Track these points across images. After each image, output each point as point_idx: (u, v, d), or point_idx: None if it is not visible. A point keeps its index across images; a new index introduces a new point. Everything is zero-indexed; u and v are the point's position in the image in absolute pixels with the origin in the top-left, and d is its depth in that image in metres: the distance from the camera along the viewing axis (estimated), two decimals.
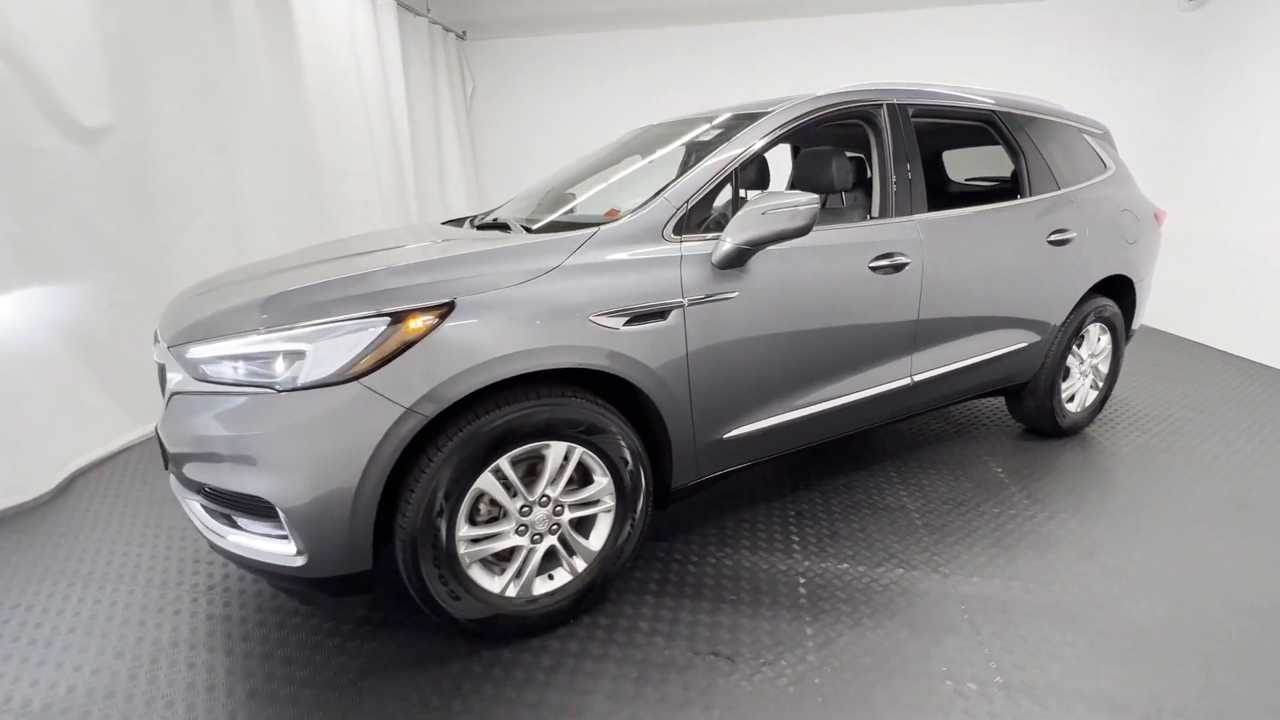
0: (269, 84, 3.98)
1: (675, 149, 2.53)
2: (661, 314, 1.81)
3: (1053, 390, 3.03)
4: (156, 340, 1.95)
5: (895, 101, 2.41)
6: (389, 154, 5.21)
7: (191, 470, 1.62)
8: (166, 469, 1.93)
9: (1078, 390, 3.19)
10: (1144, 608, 1.94)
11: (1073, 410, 3.19)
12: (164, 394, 1.85)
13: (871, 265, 2.22)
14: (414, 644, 1.82)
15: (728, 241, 1.86)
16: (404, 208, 5.43)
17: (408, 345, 1.51)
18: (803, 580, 2.10)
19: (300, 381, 1.48)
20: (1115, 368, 3.32)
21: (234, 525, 1.63)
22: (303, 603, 2.00)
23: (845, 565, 2.17)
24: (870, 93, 2.36)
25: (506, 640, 1.81)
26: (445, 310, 1.56)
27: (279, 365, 1.50)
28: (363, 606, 1.97)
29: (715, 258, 1.89)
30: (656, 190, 1.98)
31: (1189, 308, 5.25)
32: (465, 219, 2.94)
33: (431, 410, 1.53)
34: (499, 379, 1.60)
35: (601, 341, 1.73)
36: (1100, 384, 3.28)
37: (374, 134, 5.04)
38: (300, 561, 1.53)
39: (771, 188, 2.98)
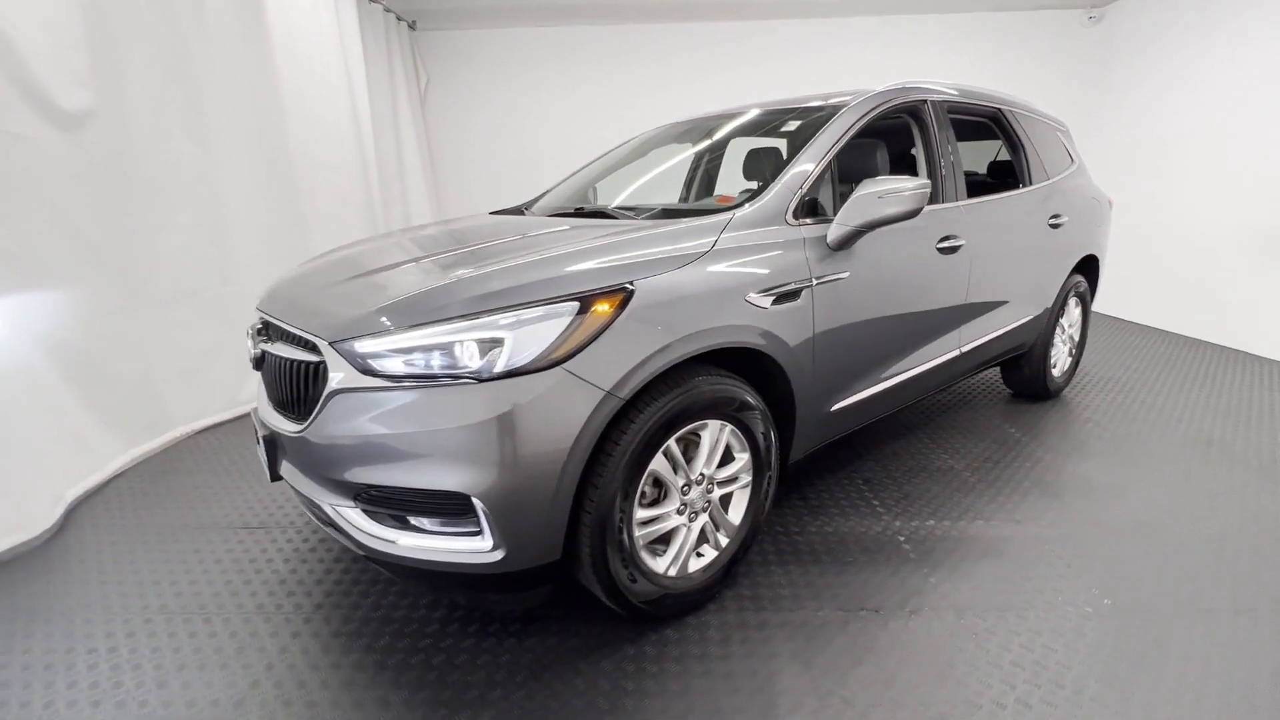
0: (241, 68, 3.65)
1: (739, 144, 2.63)
2: (795, 294, 1.91)
3: (1045, 356, 3.43)
4: (262, 334, 1.80)
5: (936, 98, 2.64)
6: (355, 147, 4.91)
7: (358, 474, 1.52)
8: (275, 480, 1.80)
9: (1059, 357, 3.62)
10: (1178, 522, 2.28)
11: (1056, 375, 3.61)
12: (280, 398, 1.72)
13: (938, 246, 2.43)
14: (573, 635, 1.80)
15: (845, 225, 1.99)
16: (370, 205, 5.13)
17: (602, 329, 1.51)
18: (902, 538, 2.27)
19: (500, 369, 1.44)
20: (1084, 336, 3.80)
21: (408, 528, 1.54)
22: (473, 605, 1.91)
23: (931, 522, 2.37)
24: (919, 89, 2.57)
25: (667, 620, 1.84)
26: (627, 294, 1.57)
27: (474, 354, 1.44)
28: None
29: (831, 240, 2.01)
30: (766, 178, 2.07)
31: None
32: (520, 208, 2.90)
33: (628, 393, 1.54)
34: (680, 359, 1.63)
35: (756, 320, 1.80)
36: (1074, 351, 3.74)
37: (340, 125, 4.73)
38: (497, 556, 1.49)
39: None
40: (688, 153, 2.87)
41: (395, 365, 1.47)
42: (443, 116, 6.48)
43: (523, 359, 1.45)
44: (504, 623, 1.85)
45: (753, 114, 2.69)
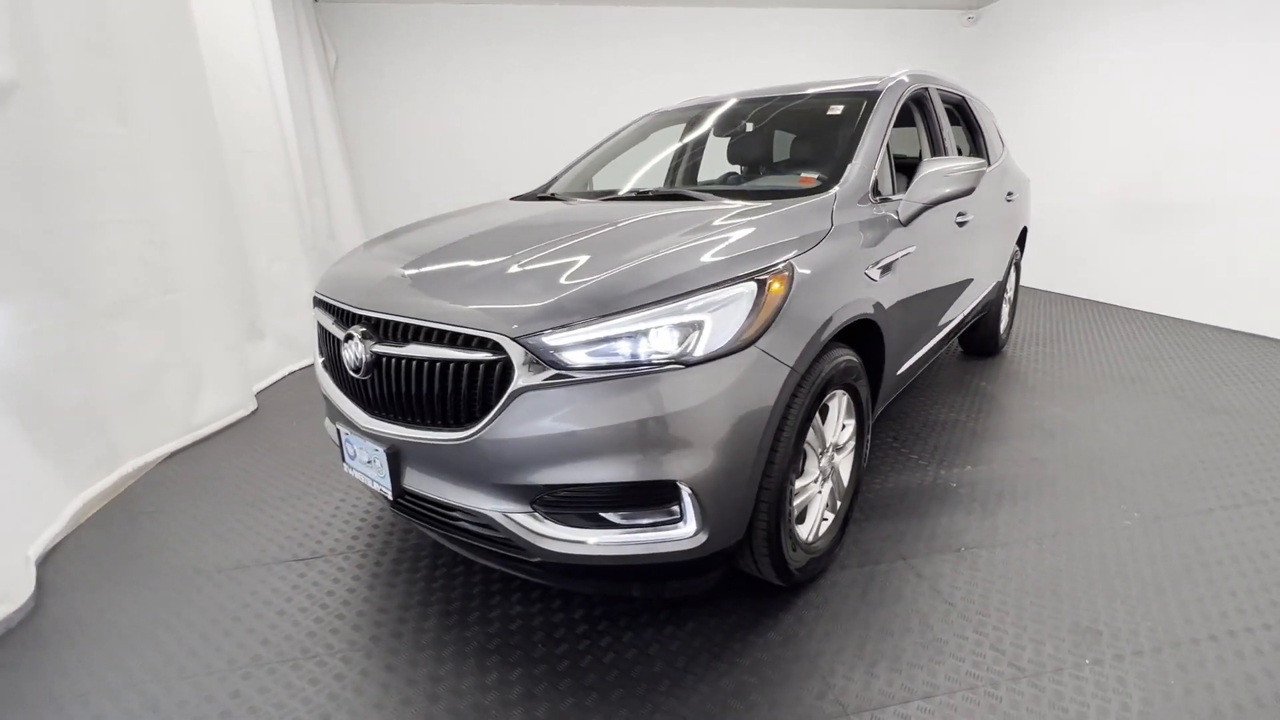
0: (162, 37, 3.11)
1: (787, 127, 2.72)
2: (891, 266, 2.04)
3: (998, 317, 3.91)
4: (371, 337, 1.61)
5: (934, 85, 2.90)
6: (277, 132, 4.37)
7: (543, 475, 1.42)
8: (399, 501, 1.64)
9: (1003, 317, 4.14)
10: (1149, 443, 2.75)
11: (1001, 334, 4.13)
12: (409, 405, 1.57)
13: (956, 220, 2.69)
14: (715, 615, 1.82)
15: (915, 201, 2.15)
16: (296, 196, 4.60)
17: (779, 307, 1.54)
18: (954, 484, 2.52)
19: (703, 353, 1.42)
20: (1016, 299, 4.37)
21: (601, 525, 1.48)
22: (648, 597, 1.85)
23: (969, 467, 2.65)
24: (926, 77, 2.81)
25: (813, 581, 1.92)
26: (792, 272, 1.60)
27: (673, 339, 1.41)
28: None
29: (903, 216, 2.16)
30: (839, 160, 2.18)
31: None
32: (543, 192, 2.79)
33: (804, 367, 1.58)
34: (836, 333, 1.69)
35: (871, 292, 1.91)
36: (1011, 313, 4.30)
37: (262, 107, 4.19)
38: (700, 540, 1.47)
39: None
40: (716, 136, 2.92)
41: (587, 357, 1.40)
42: (358, 100, 5.93)
43: (721, 341, 1.44)
44: (636, 617, 1.83)
45: (775, 98, 2.78)
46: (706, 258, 1.53)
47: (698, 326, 1.43)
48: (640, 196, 2.37)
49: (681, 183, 3.15)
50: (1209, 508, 2.30)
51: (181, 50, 3.26)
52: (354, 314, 1.69)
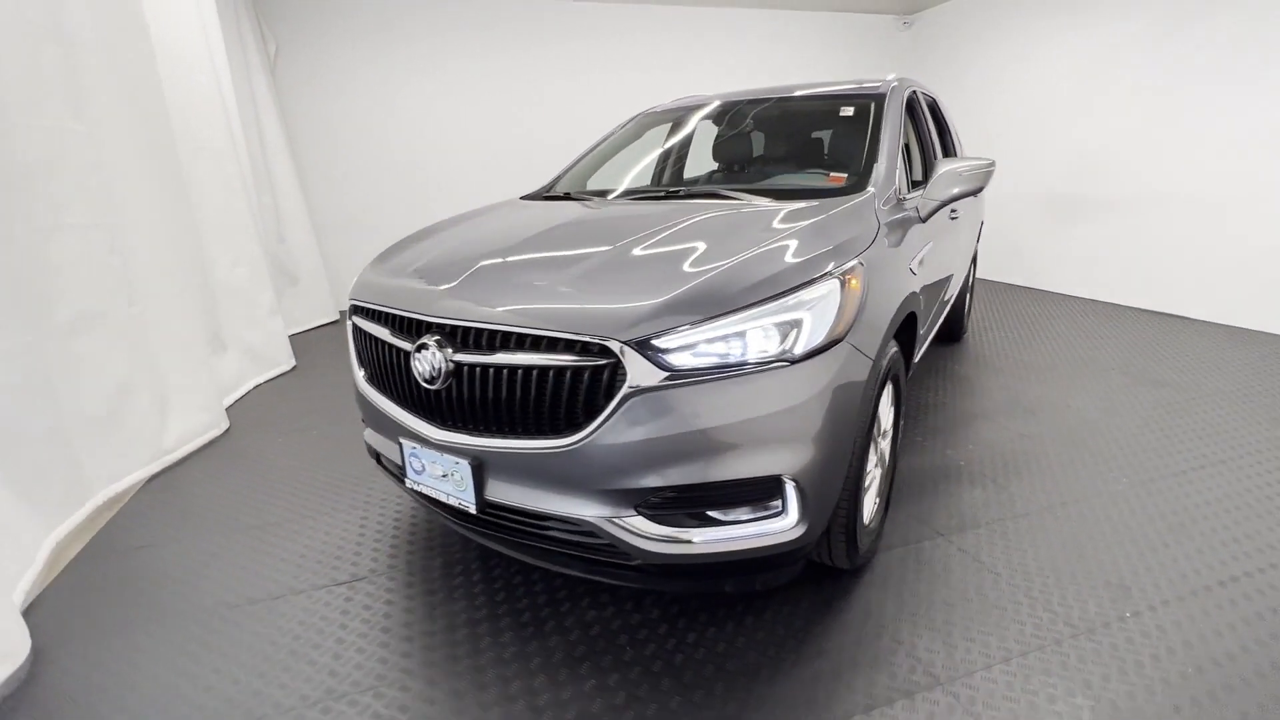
0: (111, 22, 2.82)
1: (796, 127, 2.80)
2: (923, 261, 2.16)
3: (964, 304, 4.19)
4: (445, 344, 1.55)
5: (918, 89, 3.07)
6: (225, 126, 4.04)
7: (651, 477, 1.42)
8: (482, 515, 1.60)
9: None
10: (1117, 417, 3.05)
11: (965, 320, 4.44)
12: (452, 415, 1.57)
13: (950, 216, 2.87)
14: (786, 603, 1.88)
15: (933, 199, 2.28)
16: (246, 193, 4.26)
17: (860, 303, 1.60)
18: (961, 462, 2.70)
19: (803, 349, 1.46)
20: (973, 289, 4.70)
21: (708, 523, 1.49)
22: (740, 591, 1.87)
23: (971, 446, 2.84)
24: (912, 82, 2.97)
25: (869, 563, 2.01)
26: (863, 269, 1.67)
27: (775, 338, 1.44)
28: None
29: (923, 213, 2.29)
30: (866, 159, 2.28)
31: None
32: (549, 191, 2.76)
33: (880, 359, 1.66)
34: (899, 324, 1.78)
35: (913, 286, 2.01)
36: (970, 301, 4.62)
37: (210, 100, 3.86)
38: (800, 531, 1.51)
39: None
40: (724, 133, 2.96)
41: (697, 358, 1.41)
42: (299, 92, 5.56)
43: (818, 338, 1.48)
44: (713, 612, 1.86)
45: (776, 98, 2.86)
46: (791, 257, 1.57)
47: (797, 324, 1.47)
48: (670, 195, 2.38)
49: (688, 180, 3.18)
50: (1182, 469, 2.59)
51: (130, 34, 2.96)
52: (426, 322, 1.61)
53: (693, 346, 1.41)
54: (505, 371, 1.50)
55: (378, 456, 2.01)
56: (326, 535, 2.31)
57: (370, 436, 1.96)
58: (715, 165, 2.88)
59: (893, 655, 1.66)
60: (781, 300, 1.46)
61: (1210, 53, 4.60)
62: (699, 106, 3.03)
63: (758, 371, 1.43)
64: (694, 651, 1.70)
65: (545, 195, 2.75)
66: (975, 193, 2.34)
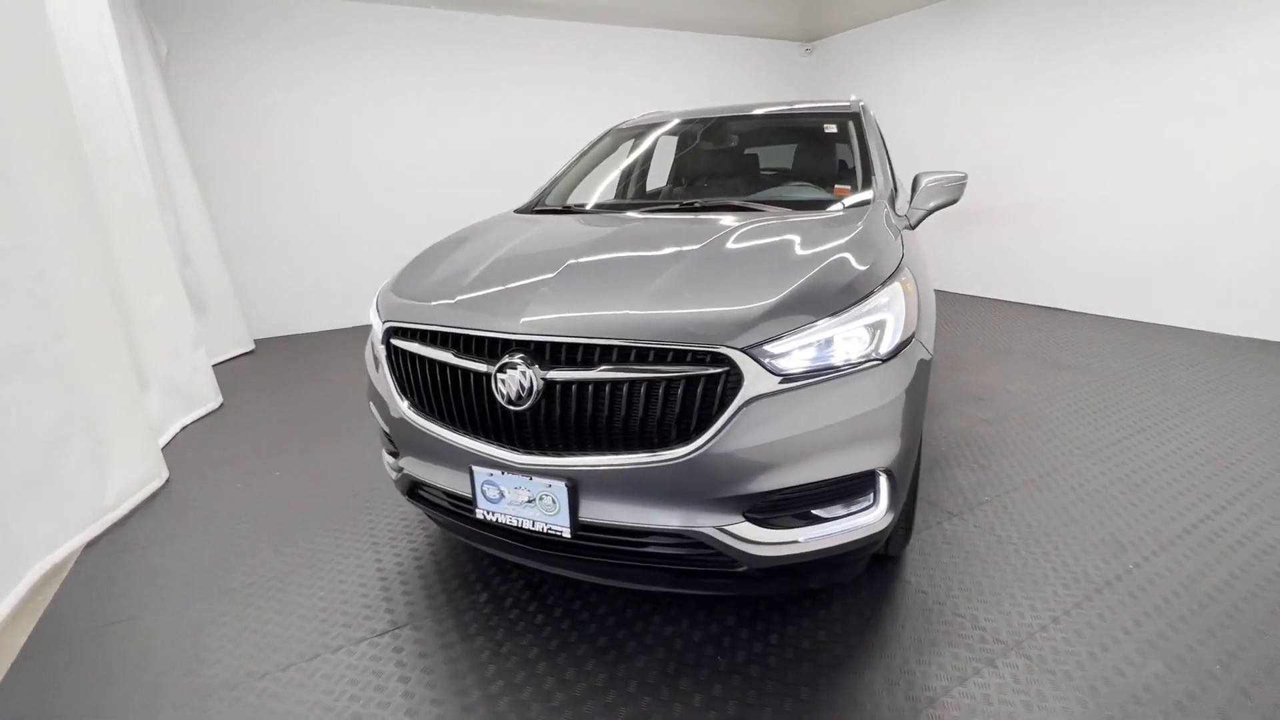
0: (7, 11, 2.41)
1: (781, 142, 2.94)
2: (924, 268, 2.36)
3: None
4: (533, 364, 1.49)
5: (863, 108, 3.35)
6: (127, 135, 3.55)
7: (762, 481, 1.45)
8: (577, 538, 1.55)
9: None
10: (1039, 400, 3.47)
11: None
12: (539, 436, 1.54)
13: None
14: (849, 596, 1.97)
15: (920, 209, 2.50)
16: (161, 209, 3.77)
17: (917, 304, 1.73)
18: (943, 448, 2.95)
19: (888, 348, 1.55)
20: None
21: (812, 522, 1.53)
22: (825, 585, 1.91)
23: (945, 435, 3.11)
24: (862, 102, 3.23)
25: (902, 548, 2.14)
26: (909, 272, 1.81)
27: (865, 338, 1.53)
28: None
29: (913, 222, 2.50)
30: (864, 173, 2.45)
31: None
32: (537, 206, 2.72)
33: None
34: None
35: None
36: None
37: (111, 108, 3.39)
38: (889, 521, 1.60)
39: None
40: (709, 149, 3.05)
41: (804, 362, 1.46)
42: (197, 103, 5.00)
43: (898, 337, 1.59)
44: (783, 611, 1.91)
45: (757, 115, 3.00)
46: (860, 264, 1.67)
47: (880, 326, 1.56)
48: (685, 208, 2.42)
49: (685, 194, 3.22)
50: (1117, 439, 3.00)
51: (28, 25, 2.54)
52: (504, 340, 1.54)
53: (802, 351, 1.46)
54: (607, 386, 1.46)
55: (411, 490, 1.87)
56: (343, 583, 2.09)
57: (413, 467, 1.82)
58: (706, 179, 2.96)
59: (964, 629, 1.79)
60: (869, 303, 1.55)
61: (1085, 80, 5.39)
62: (682, 120, 3.11)
63: (855, 371, 1.50)
64: (783, 652, 1.73)
65: (541, 209, 2.69)
66: (953, 203, 2.59)
